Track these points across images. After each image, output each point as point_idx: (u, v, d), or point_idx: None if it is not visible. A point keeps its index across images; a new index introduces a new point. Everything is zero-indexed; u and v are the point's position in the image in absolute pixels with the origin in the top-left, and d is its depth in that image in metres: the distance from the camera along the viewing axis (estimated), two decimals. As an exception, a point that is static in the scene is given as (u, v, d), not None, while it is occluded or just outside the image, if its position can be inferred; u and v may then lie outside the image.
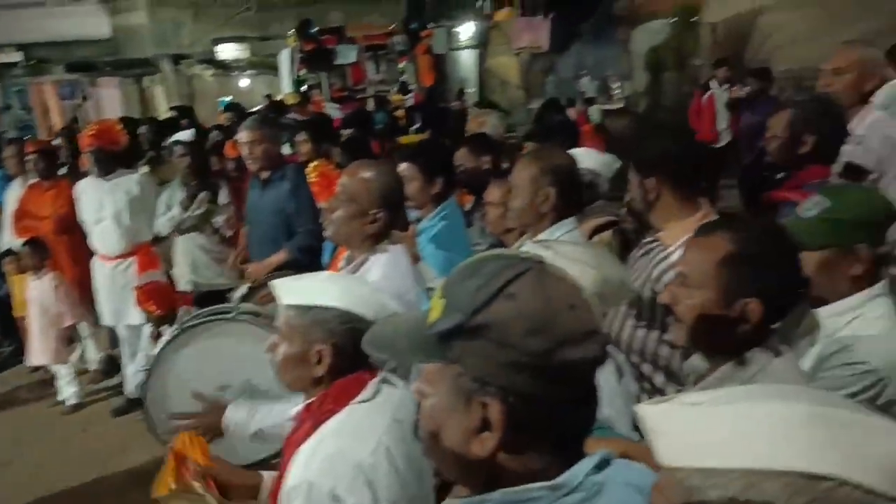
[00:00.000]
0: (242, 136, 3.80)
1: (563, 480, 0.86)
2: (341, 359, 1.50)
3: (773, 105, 4.22)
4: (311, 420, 1.48)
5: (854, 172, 2.73)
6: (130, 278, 4.44)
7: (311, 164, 3.53)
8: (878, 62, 2.92)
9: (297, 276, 1.61)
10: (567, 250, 1.68)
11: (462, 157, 3.36)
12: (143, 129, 6.59)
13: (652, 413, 0.69)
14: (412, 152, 3.04)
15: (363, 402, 1.48)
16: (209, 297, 4.25)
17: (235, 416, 1.98)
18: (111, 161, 4.46)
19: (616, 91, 22.46)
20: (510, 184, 2.38)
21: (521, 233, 2.46)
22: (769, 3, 10.28)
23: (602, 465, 0.88)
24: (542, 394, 0.84)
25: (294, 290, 1.54)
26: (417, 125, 9.43)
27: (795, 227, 1.67)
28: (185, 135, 5.50)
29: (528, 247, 1.77)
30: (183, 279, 4.73)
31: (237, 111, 7.97)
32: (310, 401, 1.54)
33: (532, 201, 2.26)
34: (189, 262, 4.69)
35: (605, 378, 1.66)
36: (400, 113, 10.56)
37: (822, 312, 1.76)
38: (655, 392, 2.02)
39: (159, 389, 2.49)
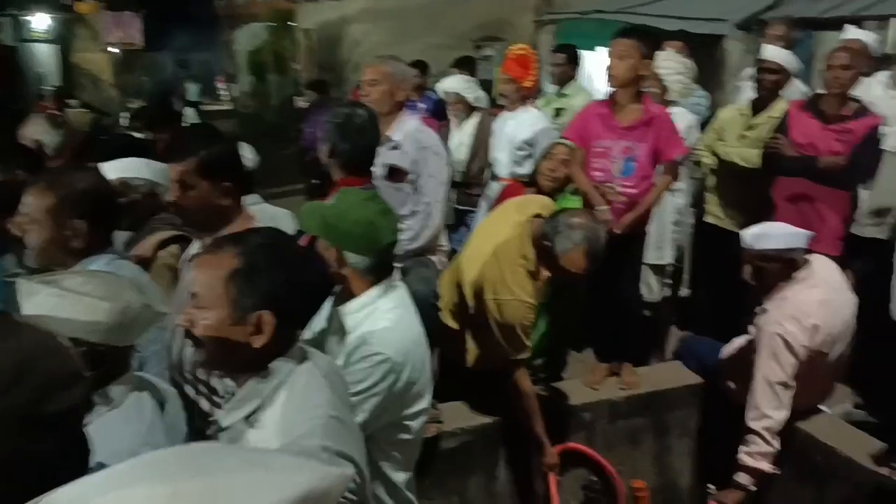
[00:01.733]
0: None
1: None
2: None
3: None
4: None
5: (395, 174, 3.01)
6: None
7: None
8: (407, 74, 3.24)
9: None
10: (74, 284, 1.48)
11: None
12: None
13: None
14: None
15: None
16: None
17: None
18: None
19: (223, 93, 22.02)
20: (24, 215, 1.99)
21: (46, 269, 2.12)
22: (353, 14, 11.03)
23: None
24: (31, 450, 0.77)
25: None
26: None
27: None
28: None
29: (25, 284, 1.52)
30: None
31: None
32: None
33: (58, 238, 1.96)
34: None
35: (143, 412, 1.52)
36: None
37: (344, 310, 1.88)
38: (203, 416, 1.88)
39: None
